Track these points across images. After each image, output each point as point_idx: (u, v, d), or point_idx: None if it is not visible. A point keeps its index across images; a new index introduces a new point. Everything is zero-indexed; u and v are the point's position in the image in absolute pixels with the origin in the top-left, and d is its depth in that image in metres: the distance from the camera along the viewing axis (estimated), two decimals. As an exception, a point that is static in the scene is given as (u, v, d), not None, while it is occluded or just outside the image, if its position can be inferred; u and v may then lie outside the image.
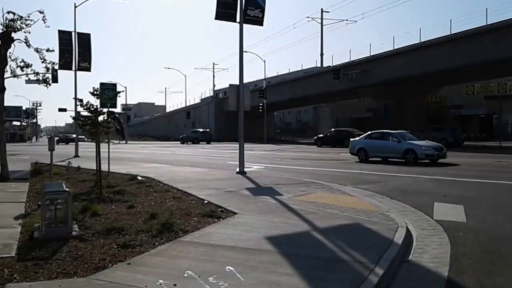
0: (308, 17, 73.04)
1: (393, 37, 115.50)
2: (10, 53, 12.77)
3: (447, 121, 53.26)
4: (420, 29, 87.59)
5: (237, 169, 14.64)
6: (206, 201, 8.56)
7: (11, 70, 13.04)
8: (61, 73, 25.62)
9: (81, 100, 9.94)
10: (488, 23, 34.24)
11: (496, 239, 6.20)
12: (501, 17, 59.00)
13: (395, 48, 42.37)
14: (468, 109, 50.94)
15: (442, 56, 36.29)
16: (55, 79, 21.31)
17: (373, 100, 49.96)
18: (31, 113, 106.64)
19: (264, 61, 79.69)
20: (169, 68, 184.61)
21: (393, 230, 6.25)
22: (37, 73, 13.47)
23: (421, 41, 39.73)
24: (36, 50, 12.91)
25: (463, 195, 10.05)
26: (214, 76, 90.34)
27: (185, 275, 4.29)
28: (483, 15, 77.88)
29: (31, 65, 13.10)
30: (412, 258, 5.40)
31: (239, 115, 14.85)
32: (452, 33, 37.18)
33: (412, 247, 5.87)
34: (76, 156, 25.63)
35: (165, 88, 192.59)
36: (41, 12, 12.84)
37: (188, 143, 53.02)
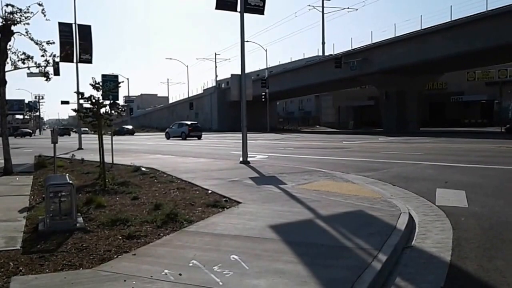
0: (309, 5, 72.62)
1: (394, 24, 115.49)
2: (10, 46, 12.73)
3: (449, 108, 53.13)
4: (421, 16, 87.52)
5: (241, 159, 14.67)
6: (210, 191, 8.58)
7: (12, 62, 13.00)
8: (63, 66, 25.71)
9: (82, 94, 9.93)
10: (488, 9, 34.06)
11: (497, 224, 6.22)
12: (501, 3, 58.55)
13: (396, 35, 42.19)
14: (469, 95, 50.85)
15: (443, 43, 36.12)
16: (56, 72, 21.26)
17: (374, 88, 49.81)
18: (33, 106, 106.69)
19: (266, 51, 79.38)
20: (171, 59, 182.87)
21: (395, 216, 6.26)
22: (39, 65, 13.42)
23: (422, 28, 39.55)
24: (36, 42, 12.86)
25: (464, 181, 10.06)
26: (216, 67, 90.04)
27: (190, 264, 4.32)
28: (483, 1, 77.13)
29: (32, 57, 13.07)
30: (415, 243, 5.43)
31: (242, 104, 14.83)
32: (452, 19, 36.99)
33: (415, 233, 5.89)
34: (80, 148, 25.70)
35: (168, 79, 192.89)
36: (40, 5, 12.75)
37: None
